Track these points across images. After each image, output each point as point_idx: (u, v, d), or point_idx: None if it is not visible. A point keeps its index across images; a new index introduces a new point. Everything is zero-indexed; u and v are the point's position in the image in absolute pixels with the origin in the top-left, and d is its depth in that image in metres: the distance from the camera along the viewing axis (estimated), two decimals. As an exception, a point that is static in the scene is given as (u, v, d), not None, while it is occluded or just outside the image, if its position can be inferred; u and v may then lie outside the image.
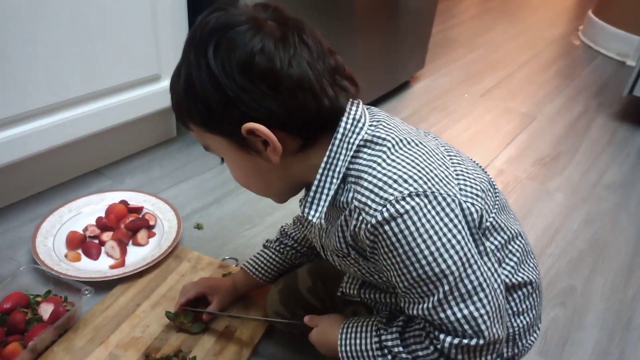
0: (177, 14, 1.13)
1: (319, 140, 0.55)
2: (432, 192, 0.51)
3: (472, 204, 0.54)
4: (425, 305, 0.52)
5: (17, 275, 0.85)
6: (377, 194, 0.51)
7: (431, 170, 0.53)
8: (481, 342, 0.52)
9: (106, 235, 0.98)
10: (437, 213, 0.50)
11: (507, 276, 0.60)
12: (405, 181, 0.51)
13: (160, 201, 1.08)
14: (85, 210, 1.04)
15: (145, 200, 1.08)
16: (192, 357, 0.77)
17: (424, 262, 0.50)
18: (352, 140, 0.55)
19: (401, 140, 0.55)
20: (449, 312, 0.51)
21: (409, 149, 0.54)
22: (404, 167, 0.52)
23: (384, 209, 0.50)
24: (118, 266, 0.93)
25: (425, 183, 0.51)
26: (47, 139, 1.02)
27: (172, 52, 1.16)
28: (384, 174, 0.52)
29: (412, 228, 0.50)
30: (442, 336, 0.53)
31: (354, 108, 0.56)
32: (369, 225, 0.51)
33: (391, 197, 0.50)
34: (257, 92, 0.51)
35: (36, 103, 0.97)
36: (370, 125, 0.56)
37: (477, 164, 0.66)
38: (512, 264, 0.61)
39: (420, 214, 0.50)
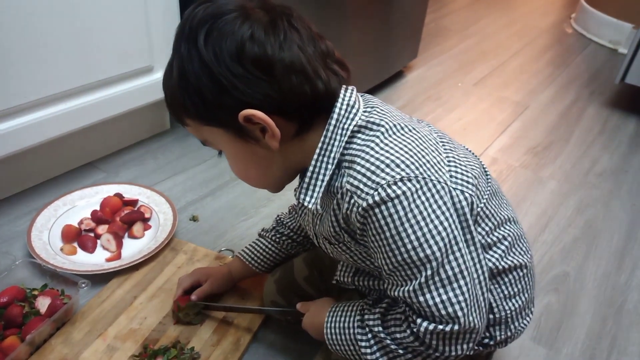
0: (168, 5, 1.12)
1: (314, 124, 0.56)
2: (424, 178, 0.52)
3: (462, 192, 0.55)
4: (407, 288, 0.54)
5: (13, 269, 0.85)
6: (369, 178, 0.52)
7: (423, 156, 0.53)
8: (456, 327, 0.53)
9: (102, 229, 0.98)
10: (427, 199, 0.52)
11: (497, 259, 0.61)
12: (398, 165, 0.52)
13: (156, 194, 1.08)
14: (80, 204, 1.04)
15: (140, 193, 1.08)
16: (190, 347, 0.78)
17: (409, 246, 0.52)
18: (346, 126, 0.55)
19: (395, 126, 0.56)
20: (427, 295, 0.53)
21: (402, 134, 0.55)
22: (396, 151, 0.53)
23: (376, 193, 0.51)
24: (114, 259, 0.93)
25: (417, 168, 0.52)
26: (41, 132, 1.01)
27: (164, 43, 1.15)
28: (377, 158, 0.53)
29: (402, 212, 0.51)
30: (419, 320, 0.54)
31: (347, 94, 0.57)
32: (359, 208, 0.52)
33: (383, 182, 0.51)
34: (250, 78, 0.51)
35: (29, 96, 0.96)
36: (364, 111, 0.57)
37: (469, 151, 0.66)
38: (502, 247, 0.61)
39: (411, 199, 0.51)
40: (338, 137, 0.55)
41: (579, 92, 1.88)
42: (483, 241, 0.60)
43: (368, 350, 0.59)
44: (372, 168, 0.52)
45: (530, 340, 0.89)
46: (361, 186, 0.52)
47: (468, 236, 0.54)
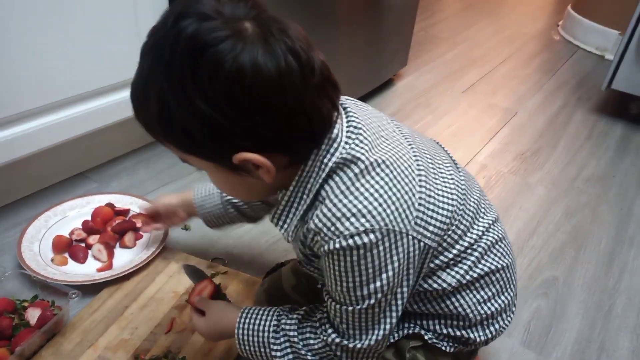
0: (159, 14, 1.13)
1: (307, 154, 0.54)
2: (387, 229, 0.53)
3: (419, 240, 0.56)
4: (337, 306, 0.57)
5: (3, 280, 0.85)
6: (333, 224, 0.52)
7: (393, 203, 0.53)
8: (358, 346, 0.58)
9: (93, 239, 0.98)
10: (385, 249, 0.53)
11: (463, 274, 0.61)
12: (364, 216, 0.52)
13: (147, 203, 1.08)
14: (71, 214, 1.04)
15: (131, 203, 1.08)
16: (182, 357, 0.78)
17: (355, 283, 0.54)
18: (325, 161, 0.53)
19: (372, 163, 0.53)
20: (349, 321, 0.57)
21: (377, 174, 0.53)
22: (366, 198, 0.52)
23: (337, 240, 0.52)
24: (105, 269, 0.93)
25: (382, 219, 0.52)
26: (32, 143, 1.01)
27: (155, 53, 1.15)
28: (344, 205, 0.52)
29: (357, 259, 0.53)
30: (330, 331, 0.59)
31: (334, 123, 0.54)
32: (322, 248, 0.54)
33: (346, 232, 0.52)
34: (248, 122, 0.47)
35: (20, 106, 0.96)
36: (347, 138, 0.54)
37: (452, 164, 0.65)
38: (472, 259, 0.61)
39: (369, 249, 0.52)
40: (316, 172, 0.54)
41: (566, 98, 1.90)
42: (450, 257, 0.60)
43: (279, 354, 0.62)
44: (338, 214, 0.52)
45: (519, 345, 0.90)
46: (325, 230, 0.53)
47: (405, 282, 0.57)
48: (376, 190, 0.53)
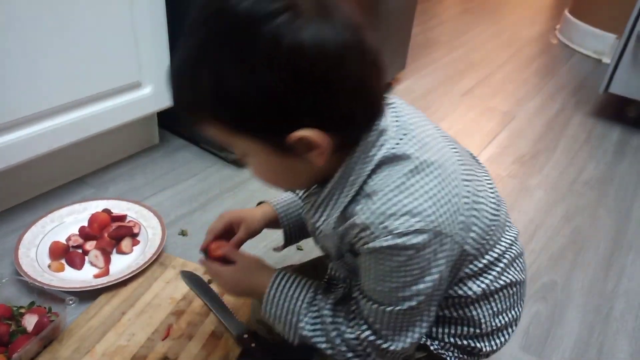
0: (156, 21, 1.13)
1: (358, 139, 0.52)
2: (437, 231, 0.51)
3: (461, 245, 0.56)
4: (374, 306, 0.55)
5: (0, 287, 0.85)
6: (382, 222, 0.50)
7: (443, 205, 0.52)
8: (392, 348, 0.57)
9: (89, 245, 0.98)
10: (433, 251, 0.52)
11: (490, 281, 0.61)
12: (414, 215, 0.50)
13: (144, 208, 1.08)
14: (68, 220, 1.04)
15: (128, 208, 1.08)
16: (179, 363, 0.78)
17: (399, 284, 0.53)
18: (371, 154, 0.52)
19: (423, 163, 0.52)
20: (386, 323, 0.56)
21: (428, 174, 0.52)
22: (417, 198, 0.50)
23: (387, 238, 0.50)
24: (102, 275, 0.92)
25: (433, 221, 0.50)
26: (28, 149, 1.01)
27: (152, 58, 1.16)
28: (396, 202, 0.50)
29: (405, 260, 0.51)
30: (364, 327, 0.57)
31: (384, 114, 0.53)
32: (365, 246, 0.51)
33: (396, 230, 0.49)
34: (310, 97, 0.45)
35: (17, 113, 0.96)
36: (396, 133, 0.53)
37: (485, 173, 0.65)
38: (498, 269, 0.62)
39: (418, 249, 0.51)
40: (362, 162, 0.52)
41: (564, 102, 1.90)
42: (480, 266, 0.60)
43: (307, 327, 0.60)
44: (390, 212, 0.50)
45: (519, 349, 0.89)
46: (374, 226, 0.50)
47: (442, 286, 0.57)
48: (427, 191, 0.51)
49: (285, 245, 0.79)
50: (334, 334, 0.58)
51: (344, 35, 0.45)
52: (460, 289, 0.60)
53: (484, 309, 0.63)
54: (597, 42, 2.35)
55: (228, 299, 0.90)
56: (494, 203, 0.61)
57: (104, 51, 1.06)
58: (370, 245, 0.51)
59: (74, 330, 0.82)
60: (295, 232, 0.77)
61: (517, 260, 0.65)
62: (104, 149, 1.25)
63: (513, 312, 0.66)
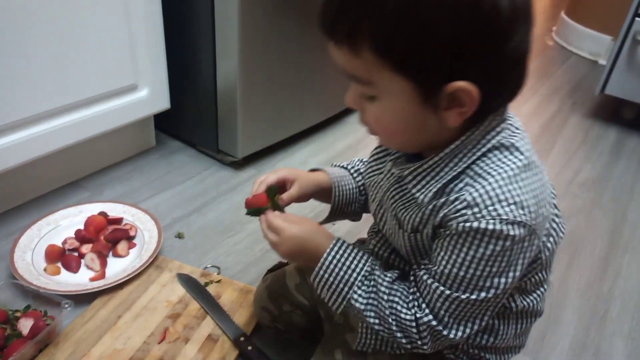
0: (152, 24, 1.13)
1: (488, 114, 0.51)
2: (534, 229, 0.51)
3: (541, 249, 0.56)
4: (446, 291, 0.53)
5: (-5, 291, 0.85)
6: (493, 204, 0.49)
7: (541, 207, 0.52)
8: (450, 336, 0.55)
9: (85, 248, 0.97)
10: (524, 247, 0.51)
11: (528, 304, 0.62)
12: (523, 208, 0.49)
13: (140, 211, 1.08)
14: (64, 223, 1.04)
15: (124, 211, 1.08)
16: (175, 367, 0.78)
17: (484, 273, 0.51)
18: (489, 137, 0.52)
19: (533, 162, 0.53)
20: (452, 310, 0.54)
21: (535, 174, 0.53)
22: (526, 192, 0.50)
23: (493, 222, 0.49)
24: (98, 278, 0.92)
25: (534, 219, 0.51)
26: (24, 152, 1.01)
27: (148, 61, 1.16)
28: (509, 190, 0.50)
29: (499, 249, 0.50)
30: (427, 311, 0.54)
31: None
32: (466, 224, 0.50)
33: (504, 216, 0.49)
34: (486, 50, 0.45)
35: (12, 116, 0.96)
36: (510, 125, 0.54)
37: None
38: (539, 292, 0.63)
39: (515, 241, 0.50)
40: (478, 144, 0.52)
41: (561, 103, 1.91)
42: (533, 281, 0.61)
43: (360, 300, 0.57)
44: (502, 197, 0.49)
45: (515, 351, 0.89)
46: (481, 206, 0.49)
47: (512, 287, 0.56)
48: (534, 189, 0.51)
49: (327, 220, 0.75)
50: (387, 311, 0.56)
51: (524, 7, 0.46)
52: (507, 299, 0.60)
53: (511, 326, 0.62)
54: (593, 43, 2.36)
55: (223, 303, 0.90)
56: (564, 225, 0.62)
57: (100, 54, 1.06)
58: (472, 224, 0.49)
59: (69, 333, 0.82)
60: (340, 207, 0.74)
61: (546, 291, 0.66)
62: (100, 151, 1.25)
63: (524, 337, 0.67)
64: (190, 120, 1.34)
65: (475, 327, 0.55)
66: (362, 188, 0.75)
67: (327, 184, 0.72)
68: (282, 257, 0.63)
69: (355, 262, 0.59)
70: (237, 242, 1.08)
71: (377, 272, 0.58)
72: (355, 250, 0.60)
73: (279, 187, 0.68)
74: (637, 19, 1.57)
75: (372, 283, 0.58)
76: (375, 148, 0.67)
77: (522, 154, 0.52)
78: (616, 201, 1.35)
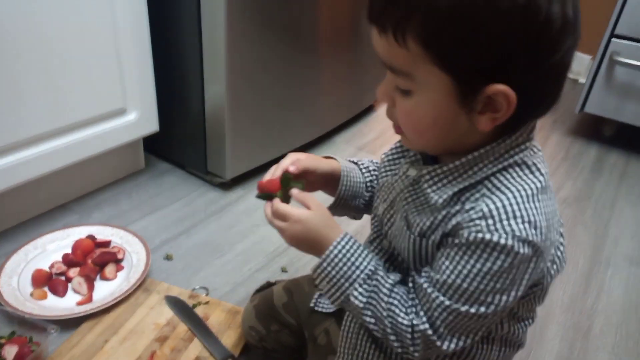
0: (140, 48, 1.15)
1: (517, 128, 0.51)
2: (542, 251, 0.51)
3: (544, 274, 0.57)
4: (446, 302, 0.53)
5: (-20, 317, 0.84)
6: (508, 219, 0.49)
7: (550, 231, 0.52)
8: (444, 348, 0.55)
9: (73, 272, 0.97)
10: (530, 267, 0.52)
11: (513, 332, 0.63)
12: (535, 228, 0.50)
13: (129, 234, 1.08)
14: (51, 247, 1.03)
15: (113, 234, 1.08)
16: (163, 391, 0.77)
17: (488, 287, 0.51)
18: (512, 152, 0.52)
19: (548, 187, 0.53)
20: (449, 321, 0.54)
21: (549, 199, 0.53)
22: (541, 214, 0.51)
23: (504, 236, 0.49)
24: (85, 302, 0.92)
25: (544, 241, 0.51)
26: (12, 177, 1.01)
27: (136, 85, 1.17)
28: (526, 209, 0.50)
29: (507, 266, 0.50)
30: (425, 319, 0.54)
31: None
32: (478, 235, 0.50)
33: (517, 233, 0.49)
34: (538, 59, 0.45)
35: (1, 140, 0.96)
36: (535, 149, 0.54)
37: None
38: (527, 322, 0.64)
39: (523, 260, 0.50)
40: (500, 157, 0.52)
41: (542, 121, 1.94)
42: (527, 307, 0.62)
43: (360, 298, 0.57)
44: (517, 213, 0.49)
45: (501, 368, 0.90)
46: (495, 220, 0.49)
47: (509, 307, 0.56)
48: (547, 213, 0.52)
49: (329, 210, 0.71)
50: (385, 313, 0.56)
51: (565, 9, 0.46)
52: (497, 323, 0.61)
53: (493, 351, 0.63)
54: (573, 62, 2.42)
55: (212, 324, 0.90)
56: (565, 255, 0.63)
57: (89, 78, 1.07)
58: (484, 235, 0.49)
59: (55, 359, 0.82)
60: (345, 199, 0.72)
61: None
62: (89, 174, 1.25)
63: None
64: (179, 142, 1.36)
65: (468, 340, 0.55)
66: (369, 185, 0.74)
67: (338, 172, 0.71)
68: (287, 243, 0.61)
69: (360, 259, 0.58)
70: (226, 262, 1.09)
71: (381, 273, 0.58)
72: (362, 248, 0.59)
73: (295, 175, 0.65)
74: (613, 39, 1.62)
75: (373, 283, 0.58)
76: (390, 150, 0.67)
77: (542, 175, 0.53)
78: (598, 217, 1.37)
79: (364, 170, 0.74)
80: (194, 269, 1.06)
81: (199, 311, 0.92)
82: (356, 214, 0.77)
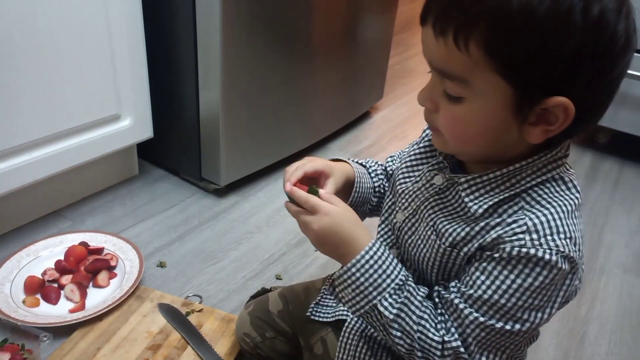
0: (135, 54, 1.15)
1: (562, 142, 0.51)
2: (578, 267, 0.52)
3: (575, 292, 0.57)
4: (480, 318, 0.52)
5: (-29, 325, 0.83)
6: (552, 234, 0.49)
7: (582, 249, 0.53)
8: None
9: (65, 279, 0.97)
10: (564, 283, 0.52)
11: None
12: (575, 245, 0.50)
13: (122, 241, 1.07)
14: (44, 254, 1.03)
15: (106, 241, 1.07)
16: (155, 399, 0.77)
17: (526, 304, 0.50)
18: (551, 167, 0.52)
19: (581, 205, 0.54)
20: (481, 338, 0.52)
21: (581, 216, 0.54)
22: (577, 231, 0.51)
23: (548, 252, 0.48)
24: (78, 310, 0.91)
25: (580, 257, 0.51)
26: (5, 183, 1.00)
27: (131, 92, 1.17)
28: (568, 224, 0.50)
29: (548, 282, 0.50)
30: (456, 336, 0.53)
31: None
32: (522, 249, 0.49)
33: (561, 248, 0.49)
34: (601, 73, 0.46)
35: (-8, 147, 0.96)
36: (565, 166, 0.54)
37: None
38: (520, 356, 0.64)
39: (562, 276, 0.50)
40: (541, 171, 0.51)
41: (537, 129, 1.96)
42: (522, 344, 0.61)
43: (389, 309, 0.53)
44: (560, 229, 0.49)
45: (495, 376, 0.90)
46: (540, 234, 0.49)
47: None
48: (580, 230, 0.52)
49: None
50: (415, 327, 0.53)
51: (634, 38, 0.46)
52: None
53: None
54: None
55: (205, 332, 0.89)
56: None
57: (83, 84, 1.07)
58: (529, 250, 0.49)
59: (47, 367, 0.81)
60: (355, 205, 0.69)
61: None
62: (83, 180, 1.24)
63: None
64: (173, 148, 1.36)
65: (497, 358, 0.54)
66: (377, 190, 0.72)
67: (352, 177, 0.67)
68: (311, 240, 0.57)
69: (391, 267, 0.54)
70: (219, 270, 1.08)
71: (412, 285, 0.55)
72: (392, 256, 0.56)
73: (311, 179, 0.63)
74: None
75: (404, 294, 0.54)
76: (409, 155, 0.65)
77: (578, 192, 0.53)
78: (592, 224, 1.38)
79: (372, 175, 0.73)
80: (188, 276, 1.06)
81: (193, 319, 0.92)
82: (361, 218, 0.76)
